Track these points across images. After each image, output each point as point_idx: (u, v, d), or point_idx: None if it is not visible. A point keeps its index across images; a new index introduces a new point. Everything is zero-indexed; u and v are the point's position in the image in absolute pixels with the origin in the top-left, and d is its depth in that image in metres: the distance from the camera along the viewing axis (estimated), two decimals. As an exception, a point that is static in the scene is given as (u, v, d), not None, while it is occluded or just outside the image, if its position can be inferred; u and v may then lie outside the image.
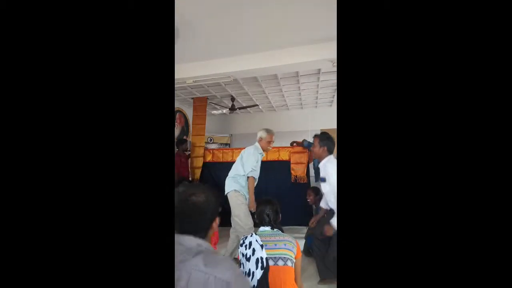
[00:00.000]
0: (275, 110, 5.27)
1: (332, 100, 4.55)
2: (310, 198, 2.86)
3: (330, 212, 2.13)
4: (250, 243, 1.26)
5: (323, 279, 1.94)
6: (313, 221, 2.31)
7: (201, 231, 0.76)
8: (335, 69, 2.73)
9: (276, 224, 1.40)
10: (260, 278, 1.15)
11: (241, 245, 1.29)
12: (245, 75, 3.10)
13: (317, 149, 1.95)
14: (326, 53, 2.53)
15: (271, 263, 1.22)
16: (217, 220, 0.81)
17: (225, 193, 2.28)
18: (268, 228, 1.38)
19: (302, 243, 2.51)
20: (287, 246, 1.28)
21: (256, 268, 1.17)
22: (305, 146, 3.19)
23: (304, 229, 2.89)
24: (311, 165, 3.27)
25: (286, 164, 3.29)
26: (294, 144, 3.33)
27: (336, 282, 1.62)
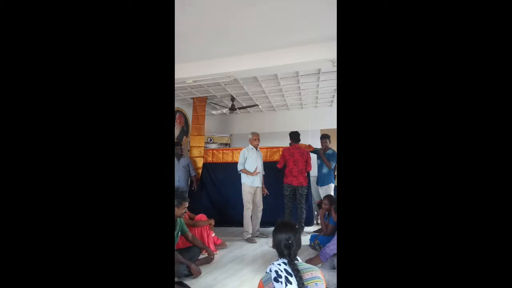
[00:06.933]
0: (275, 110, 5.27)
1: (332, 100, 4.55)
2: (326, 207, 2.59)
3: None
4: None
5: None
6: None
7: None
8: (335, 69, 2.73)
9: (294, 257, 1.12)
10: None
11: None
12: (245, 75, 3.10)
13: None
14: (326, 53, 2.53)
15: None
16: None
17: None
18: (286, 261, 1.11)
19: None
20: (318, 286, 1.04)
21: None
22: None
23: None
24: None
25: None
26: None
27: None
